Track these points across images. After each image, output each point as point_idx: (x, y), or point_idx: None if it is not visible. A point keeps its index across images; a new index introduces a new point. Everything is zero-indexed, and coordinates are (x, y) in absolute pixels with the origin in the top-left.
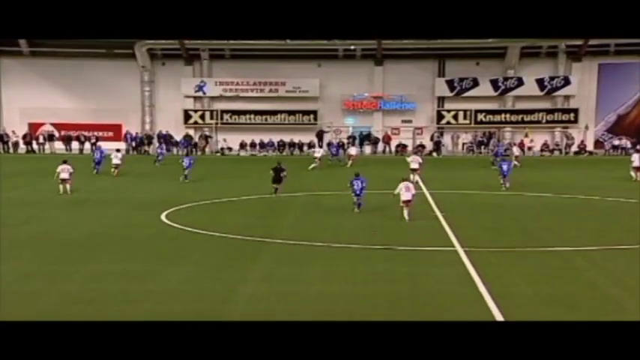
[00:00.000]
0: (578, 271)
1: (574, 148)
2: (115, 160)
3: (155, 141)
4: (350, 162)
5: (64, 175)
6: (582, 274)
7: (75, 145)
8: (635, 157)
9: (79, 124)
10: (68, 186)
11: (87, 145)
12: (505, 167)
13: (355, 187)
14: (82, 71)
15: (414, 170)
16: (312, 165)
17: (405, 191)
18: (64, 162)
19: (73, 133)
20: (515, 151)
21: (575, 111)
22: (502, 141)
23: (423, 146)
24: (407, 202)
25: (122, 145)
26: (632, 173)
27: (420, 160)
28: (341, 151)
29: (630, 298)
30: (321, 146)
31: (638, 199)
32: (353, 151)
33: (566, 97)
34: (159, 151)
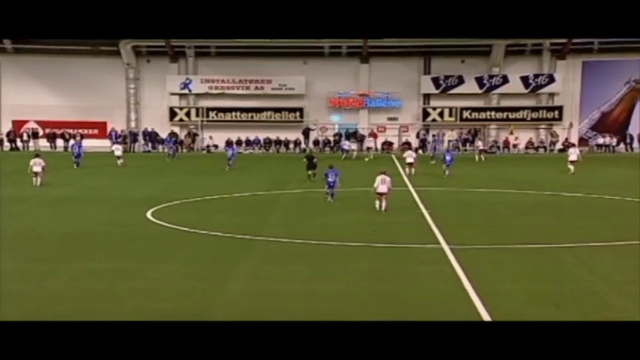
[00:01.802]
0: (564, 268)
1: (558, 146)
2: (117, 152)
3: (140, 138)
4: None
5: (37, 169)
6: (569, 271)
7: (60, 142)
8: (571, 150)
9: (63, 122)
10: (40, 179)
11: (72, 143)
12: (448, 157)
13: (329, 178)
14: (66, 68)
15: (409, 164)
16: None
17: (380, 184)
18: (37, 156)
19: (58, 131)
20: (480, 145)
21: (560, 108)
22: (439, 137)
23: (408, 143)
24: (382, 194)
25: (107, 143)
26: (570, 167)
27: (415, 155)
28: (353, 146)
29: (617, 295)
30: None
31: (621, 196)
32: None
33: (551, 95)
34: (170, 147)
